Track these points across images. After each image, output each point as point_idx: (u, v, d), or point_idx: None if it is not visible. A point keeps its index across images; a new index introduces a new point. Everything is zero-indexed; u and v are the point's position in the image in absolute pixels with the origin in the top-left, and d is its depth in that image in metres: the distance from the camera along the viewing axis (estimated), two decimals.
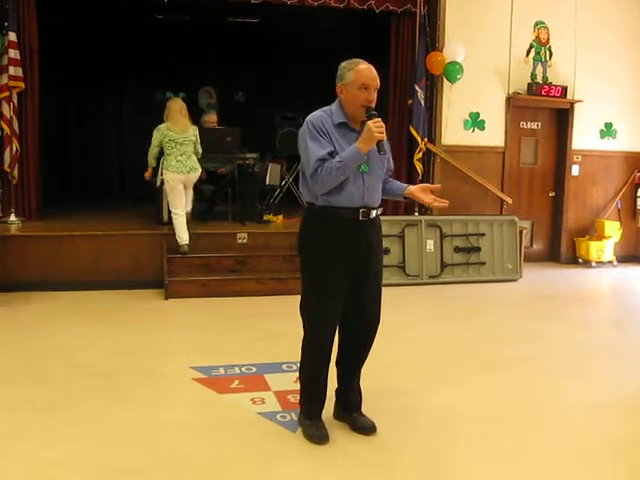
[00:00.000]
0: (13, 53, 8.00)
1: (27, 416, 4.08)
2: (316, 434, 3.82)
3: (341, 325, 3.91)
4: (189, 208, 8.01)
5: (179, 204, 7.58)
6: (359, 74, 3.63)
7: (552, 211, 10.09)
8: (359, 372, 4.03)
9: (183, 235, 7.54)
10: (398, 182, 4.05)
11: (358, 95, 3.62)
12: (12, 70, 8.00)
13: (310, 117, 3.69)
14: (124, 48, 11.92)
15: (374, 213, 3.76)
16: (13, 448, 3.67)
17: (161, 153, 7.71)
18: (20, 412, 4.13)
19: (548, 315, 6.98)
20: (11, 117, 8.10)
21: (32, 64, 8.35)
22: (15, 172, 8.24)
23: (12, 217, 8.22)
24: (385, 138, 3.56)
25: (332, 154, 3.58)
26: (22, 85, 8.13)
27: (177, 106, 7.76)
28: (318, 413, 3.91)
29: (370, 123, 3.52)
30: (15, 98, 8.14)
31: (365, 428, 3.92)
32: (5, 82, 8.01)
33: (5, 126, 8.08)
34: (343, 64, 3.72)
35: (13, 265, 7.39)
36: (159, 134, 7.62)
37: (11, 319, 6.34)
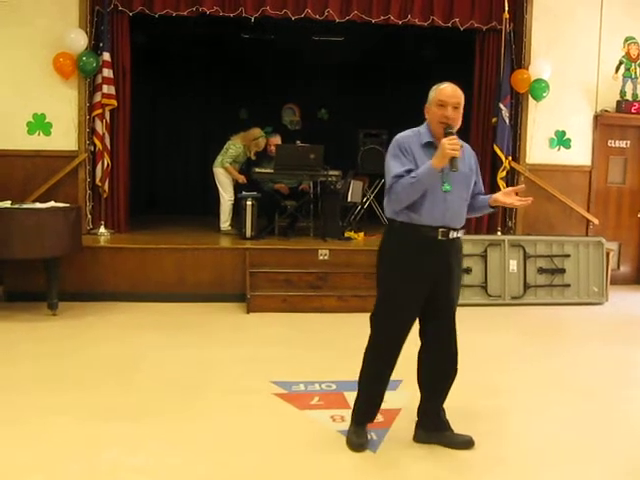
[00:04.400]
0: (107, 72, 8.30)
1: (112, 424, 4.19)
2: (355, 441, 3.92)
3: (422, 345, 3.99)
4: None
5: None
6: (438, 92, 3.76)
7: None
8: (446, 393, 4.02)
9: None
10: (483, 196, 4.05)
11: (437, 112, 3.73)
12: (105, 88, 8.31)
13: (398, 136, 3.83)
14: (211, 66, 12.23)
15: (454, 234, 3.79)
16: (97, 455, 3.78)
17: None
18: (106, 420, 4.26)
19: (635, 340, 6.76)
20: (103, 133, 8.40)
21: (124, 82, 8.64)
22: (106, 186, 8.53)
23: (101, 229, 8.51)
24: (459, 156, 3.59)
25: (410, 172, 3.67)
26: (114, 103, 8.43)
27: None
28: (365, 422, 4.01)
29: (444, 140, 3.58)
30: (107, 115, 8.44)
31: (466, 442, 3.96)
32: (99, 100, 8.32)
33: (98, 142, 8.38)
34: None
35: (102, 275, 7.65)
36: None
37: (100, 329, 6.56)
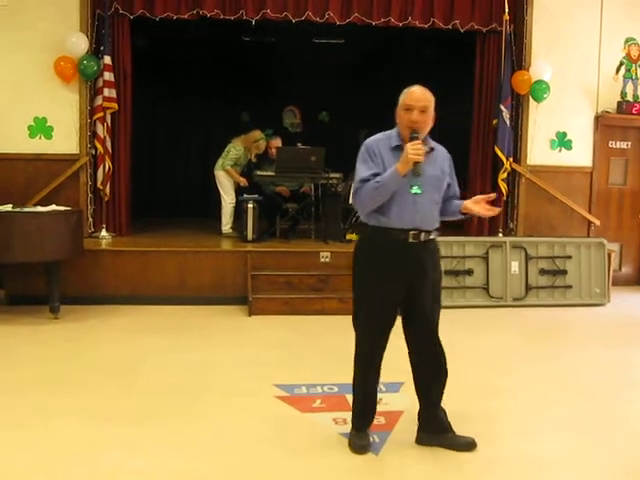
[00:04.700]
0: (108, 75, 8.31)
1: (113, 427, 4.19)
2: (357, 443, 3.93)
3: (408, 350, 3.99)
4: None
5: None
6: (406, 96, 3.77)
7: None
8: (440, 394, 4.01)
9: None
10: (457, 200, 4.01)
11: (403, 117, 3.75)
12: (106, 92, 8.31)
13: (368, 139, 3.87)
14: (212, 69, 12.24)
15: (427, 236, 3.79)
16: (99, 458, 3.77)
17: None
18: (107, 423, 4.26)
19: (637, 342, 6.75)
20: (105, 137, 8.41)
21: (125, 86, 8.66)
22: (107, 189, 8.54)
23: (103, 232, 8.50)
24: (422, 161, 3.59)
25: (376, 176, 3.69)
26: (115, 106, 8.44)
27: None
28: (365, 426, 4.01)
29: (407, 145, 3.60)
30: (109, 118, 8.45)
31: (468, 444, 3.94)
32: (100, 103, 8.33)
33: (99, 145, 8.39)
34: None
35: (103, 279, 7.65)
36: None
37: (101, 332, 6.56)
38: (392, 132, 3.85)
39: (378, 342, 3.89)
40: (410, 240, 3.74)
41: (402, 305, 3.87)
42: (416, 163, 3.56)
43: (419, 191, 3.67)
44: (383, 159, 3.74)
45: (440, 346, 3.94)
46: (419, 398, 4.04)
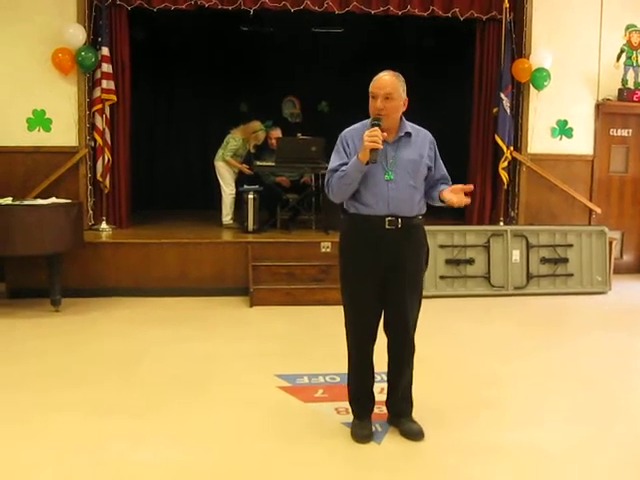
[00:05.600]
0: (106, 67, 8.27)
1: (116, 419, 4.19)
2: (358, 432, 3.95)
3: (384, 332, 4.00)
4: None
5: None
6: (372, 84, 3.81)
7: None
8: (403, 381, 4.01)
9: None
10: (444, 186, 3.91)
11: (371, 105, 3.79)
12: (105, 83, 8.28)
13: (344, 131, 3.93)
14: (211, 59, 12.18)
15: (405, 222, 3.77)
16: (102, 450, 3.78)
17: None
18: (109, 415, 4.26)
19: (638, 329, 6.74)
20: (104, 129, 8.38)
21: (123, 77, 8.62)
22: (107, 181, 8.51)
23: (103, 225, 8.49)
24: (380, 147, 3.61)
25: (345, 165, 3.75)
26: (114, 98, 8.41)
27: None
28: (366, 414, 4.02)
29: (365, 132, 3.64)
30: (107, 110, 8.42)
31: (411, 433, 3.95)
32: (98, 95, 8.30)
33: (98, 137, 8.37)
34: None
35: (104, 271, 7.64)
36: None
37: (103, 324, 6.56)
38: (367, 121, 3.85)
39: (365, 329, 3.90)
40: (387, 227, 3.74)
41: (381, 291, 3.86)
42: (373, 150, 3.58)
43: (391, 177, 3.72)
44: (357, 148, 3.75)
45: (412, 332, 3.94)
46: (387, 382, 4.09)
